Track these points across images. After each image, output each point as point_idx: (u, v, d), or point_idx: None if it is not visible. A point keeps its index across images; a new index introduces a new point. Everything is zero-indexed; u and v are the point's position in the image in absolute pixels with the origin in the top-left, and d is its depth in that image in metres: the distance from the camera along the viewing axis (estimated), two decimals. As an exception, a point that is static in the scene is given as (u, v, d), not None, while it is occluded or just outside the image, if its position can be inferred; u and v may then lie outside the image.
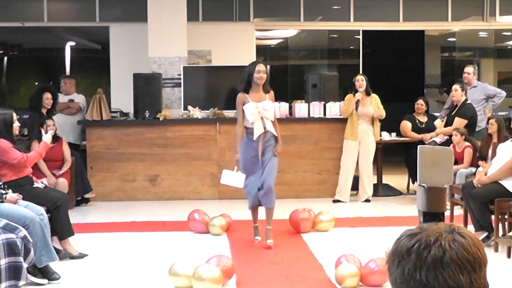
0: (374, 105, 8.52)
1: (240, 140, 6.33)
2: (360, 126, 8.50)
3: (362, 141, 8.54)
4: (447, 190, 7.91)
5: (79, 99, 9.51)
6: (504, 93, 9.23)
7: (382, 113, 8.56)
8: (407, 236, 1.60)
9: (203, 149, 8.98)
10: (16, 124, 5.78)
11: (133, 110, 9.17)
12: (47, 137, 6.04)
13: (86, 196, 8.54)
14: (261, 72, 6.24)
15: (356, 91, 8.52)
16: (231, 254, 5.84)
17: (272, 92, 6.43)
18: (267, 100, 6.30)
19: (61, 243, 5.77)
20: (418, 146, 8.59)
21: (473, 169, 7.90)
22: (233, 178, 6.36)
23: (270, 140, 6.33)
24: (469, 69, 9.16)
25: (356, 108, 8.47)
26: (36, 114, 8.18)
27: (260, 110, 6.22)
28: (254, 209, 6.42)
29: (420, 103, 9.40)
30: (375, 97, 8.59)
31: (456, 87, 8.55)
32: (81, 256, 5.84)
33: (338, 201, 8.61)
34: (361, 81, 8.52)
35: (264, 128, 6.25)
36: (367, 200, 8.66)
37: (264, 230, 6.29)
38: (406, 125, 9.34)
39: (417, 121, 9.36)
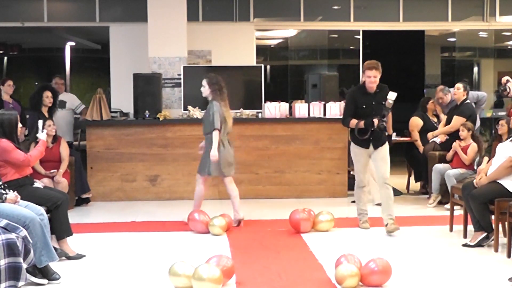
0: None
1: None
2: None
3: None
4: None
5: (69, 97, 9.54)
6: (485, 94, 9.57)
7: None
8: None
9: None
10: (20, 126, 5.79)
11: (133, 110, 9.18)
12: (43, 135, 6.02)
13: (84, 196, 8.54)
14: None
15: None
16: (231, 254, 5.84)
17: None
18: None
19: (59, 243, 5.75)
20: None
21: (460, 170, 7.92)
22: None
23: None
24: (459, 85, 8.89)
25: None
26: (36, 113, 8.18)
27: None
28: None
29: (432, 102, 9.37)
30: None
31: (459, 85, 8.60)
32: (78, 256, 5.82)
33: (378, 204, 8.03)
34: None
35: None
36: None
37: None
38: (417, 122, 9.26)
39: (432, 121, 9.31)
